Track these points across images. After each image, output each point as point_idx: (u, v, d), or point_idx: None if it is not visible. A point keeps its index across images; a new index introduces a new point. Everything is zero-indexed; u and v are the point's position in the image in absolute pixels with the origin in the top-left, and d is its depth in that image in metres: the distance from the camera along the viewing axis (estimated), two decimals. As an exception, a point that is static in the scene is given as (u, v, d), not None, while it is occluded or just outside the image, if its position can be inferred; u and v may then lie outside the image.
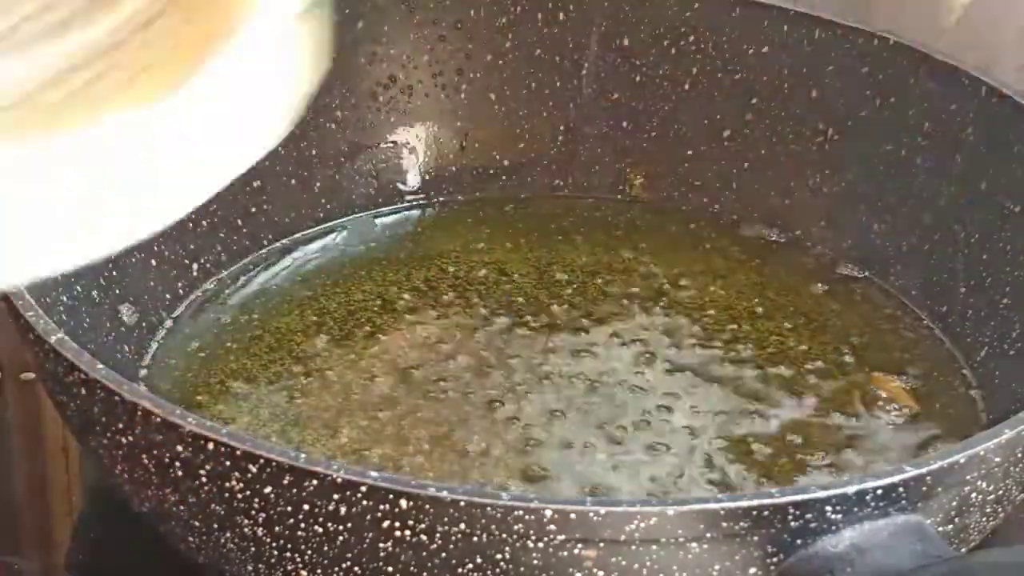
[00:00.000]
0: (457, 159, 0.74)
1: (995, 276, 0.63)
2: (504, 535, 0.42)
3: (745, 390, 0.61)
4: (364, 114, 0.72)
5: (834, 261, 0.69)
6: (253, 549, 0.46)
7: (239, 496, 0.44)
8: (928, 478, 0.44)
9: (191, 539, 0.48)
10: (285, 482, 0.43)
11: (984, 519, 0.48)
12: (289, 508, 0.44)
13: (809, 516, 0.43)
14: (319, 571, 0.45)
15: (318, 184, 0.71)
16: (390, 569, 0.44)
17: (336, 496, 0.42)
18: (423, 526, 0.42)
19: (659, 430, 0.58)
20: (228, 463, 0.43)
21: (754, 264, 0.69)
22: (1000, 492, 0.47)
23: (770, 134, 0.72)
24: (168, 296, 0.64)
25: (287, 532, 0.44)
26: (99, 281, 0.60)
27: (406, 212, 0.72)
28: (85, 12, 0.37)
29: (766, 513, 0.42)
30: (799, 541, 0.43)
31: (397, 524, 0.43)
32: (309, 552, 0.45)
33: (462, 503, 0.42)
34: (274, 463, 0.43)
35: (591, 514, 0.42)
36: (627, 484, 0.55)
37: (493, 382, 0.60)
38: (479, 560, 0.43)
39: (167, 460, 0.45)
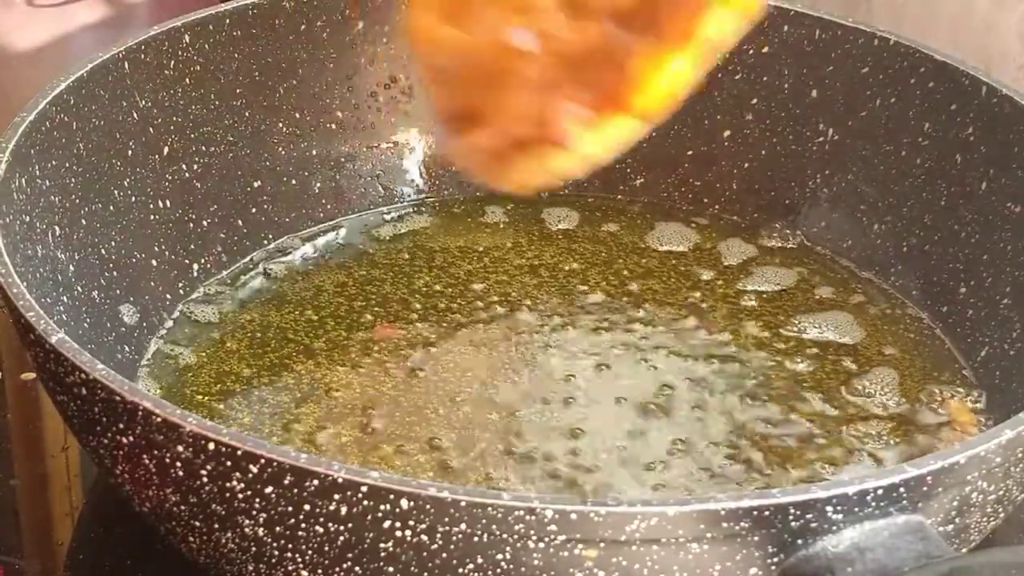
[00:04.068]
0: (457, 159, 0.74)
1: (995, 276, 0.63)
2: (505, 535, 0.42)
3: (746, 389, 0.61)
4: (364, 114, 0.72)
5: (834, 261, 0.69)
6: (254, 549, 0.46)
7: (240, 496, 0.44)
8: (928, 478, 0.44)
9: (192, 539, 0.48)
10: (286, 482, 0.43)
11: (984, 519, 0.48)
12: (290, 508, 0.44)
13: (810, 516, 0.43)
14: (319, 571, 0.45)
15: (318, 184, 0.71)
16: (390, 569, 0.44)
17: (337, 496, 0.42)
18: (424, 526, 0.42)
19: (658, 430, 0.58)
20: (229, 463, 0.43)
21: (754, 264, 0.69)
22: (1000, 492, 0.47)
23: (770, 134, 0.72)
24: (168, 296, 0.64)
25: (288, 532, 0.44)
26: (99, 281, 0.60)
27: (406, 212, 0.72)
28: None
29: (767, 513, 0.42)
30: (800, 541, 0.43)
31: (398, 524, 0.43)
32: (310, 552, 0.45)
33: (463, 503, 0.42)
34: (275, 463, 0.43)
35: (592, 514, 0.42)
36: (640, 483, 0.55)
37: (493, 381, 0.60)
38: (480, 560, 0.43)
39: (167, 460, 0.45)
